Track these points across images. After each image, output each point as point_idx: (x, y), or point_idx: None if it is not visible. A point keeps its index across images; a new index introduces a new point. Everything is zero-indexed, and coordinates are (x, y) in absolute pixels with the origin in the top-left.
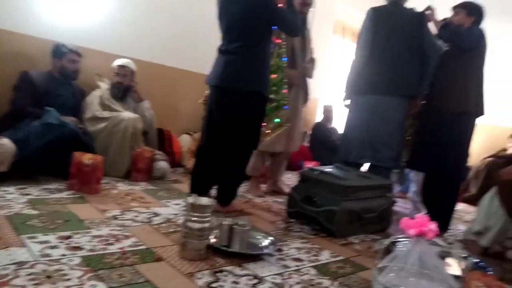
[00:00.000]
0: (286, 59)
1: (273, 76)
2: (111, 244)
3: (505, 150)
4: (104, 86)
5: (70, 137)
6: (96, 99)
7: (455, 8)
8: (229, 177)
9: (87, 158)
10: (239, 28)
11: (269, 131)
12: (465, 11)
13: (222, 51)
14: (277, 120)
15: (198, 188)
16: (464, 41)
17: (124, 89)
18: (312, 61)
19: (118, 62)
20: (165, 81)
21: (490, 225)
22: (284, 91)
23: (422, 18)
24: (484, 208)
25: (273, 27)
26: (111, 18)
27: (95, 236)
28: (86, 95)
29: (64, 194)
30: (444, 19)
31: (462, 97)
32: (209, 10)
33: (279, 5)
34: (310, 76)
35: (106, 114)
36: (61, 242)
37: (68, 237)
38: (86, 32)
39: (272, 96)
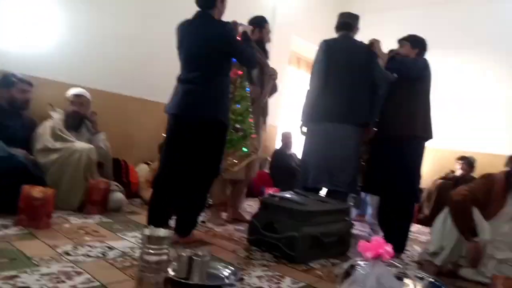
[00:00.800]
0: (248, 89)
1: (238, 106)
2: (62, 282)
3: (453, 171)
4: (56, 116)
5: (18, 170)
6: (48, 129)
7: (400, 41)
8: (188, 207)
9: (36, 191)
10: (198, 59)
11: (236, 161)
12: (409, 44)
13: (181, 80)
14: (245, 149)
15: (156, 219)
16: (411, 70)
17: (79, 118)
18: (271, 77)
19: (73, 91)
20: (120, 111)
21: (444, 245)
22: (250, 119)
23: (371, 50)
24: (438, 229)
25: (232, 59)
26: (64, 46)
27: (44, 274)
28: (37, 126)
29: (10, 231)
30: (391, 51)
31: (409, 122)
32: (164, 38)
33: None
34: (267, 92)
35: (58, 145)
36: (5, 283)
37: (14, 277)
38: (37, 61)
39: (238, 126)
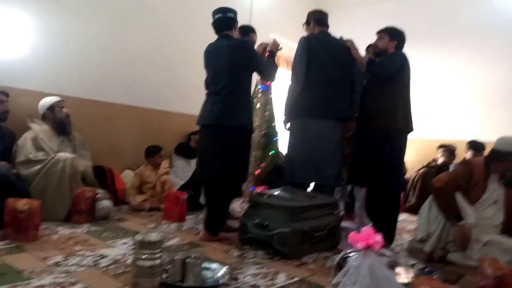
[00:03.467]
0: (263, 87)
1: (266, 113)
2: None
3: (435, 160)
4: (36, 127)
5: (1, 183)
6: (29, 141)
7: (379, 33)
8: (218, 208)
9: (22, 204)
10: (224, 73)
11: (264, 164)
12: (388, 36)
13: (210, 93)
14: (272, 152)
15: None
16: (390, 70)
17: (68, 123)
18: None
19: (52, 99)
20: (101, 117)
21: (431, 231)
22: (273, 124)
23: (348, 47)
24: (424, 216)
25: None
26: (39, 55)
27: (37, 287)
28: (17, 138)
29: None
30: (369, 45)
31: (390, 116)
32: (142, 45)
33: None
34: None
35: (40, 156)
36: None
37: None
38: (12, 71)
39: (265, 131)
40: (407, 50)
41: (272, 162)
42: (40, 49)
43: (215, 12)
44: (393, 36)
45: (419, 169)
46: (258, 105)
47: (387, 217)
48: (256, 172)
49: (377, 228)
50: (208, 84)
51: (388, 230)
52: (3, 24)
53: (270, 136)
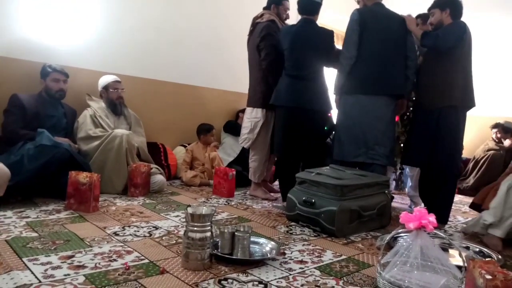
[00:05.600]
0: None
1: None
2: (114, 260)
3: (496, 140)
4: (94, 105)
5: (64, 158)
6: (88, 118)
7: (429, 10)
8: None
9: (83, 176)
10: (310, 59)
11: None
12: (438, 8)
13: (293, 76)
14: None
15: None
16: (447, 42)
17: (122, 103)
18: None
19: (109, 78)
20: (155, 95)
21: (506, 216)
22: None
23: (404, 21)
24: (500, 198)
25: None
26: (96, 35)
27: (97, 254)
28: (77, 115)
29: (62, 215)
30: (418, 15)
31: (445, 92)
32: (190, 25)
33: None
34: None
35: (99, 132)
36: (63, 262)
37: (70, 257)
38: (74, 52)
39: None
40: (469, 18)
41: None
42: (97, 30)
43: None
44: (442, 6)
45: (488, 150)
46: None
47: (441, 198)
48: None
49: (430, 209)
50: (288, 66)
51: (442, 211)
52: (62, 8)
53: None
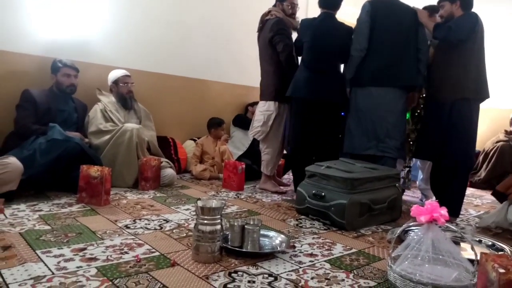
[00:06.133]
0: None
1: None
2: (125, 253)
3: (508, 132)
4: (104, 99)
5: (75, 152)
6: (99, 112)
7: (439, 2)
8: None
9: (94, 170)
10: (330, 53)
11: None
12: (448, 1)
13: (312, 68)
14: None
15: (299, 181)
16: (459, 34)
17: (132, 98)
18: None
19: (118, 72)
20: (165, 89)
21: None
22: None
23: (416, 13)
24: None
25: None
26: (106, 30)
27: (108, 246)
28: (88, 109)
29: (74, 208)
30: (425, 7)
31: (458, 84)
32: (198, 21)
33: None
34: None
35: (109, 126)
36: (76, 255)
37: (83, 249)
38: (84, 46)
39: None
40: (483, 9)
41: None
42: (107, 25)
43: None
44: None
45: (497, 142)
46: None
47: (453, 192)
48: None
49: (442, 202)
50: (308, 59)
51: (454, 204)
52: (71, 2)
53: None
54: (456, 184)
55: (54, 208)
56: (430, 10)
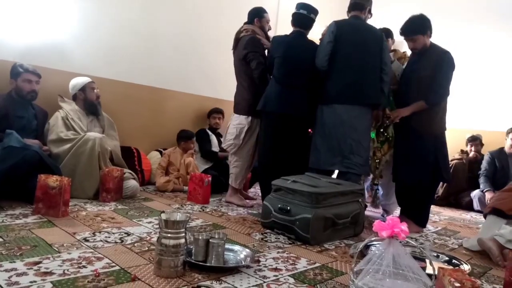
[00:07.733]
0: None
1: None
2: (83, 267)
3: (464, 152)
4: (66, 106)
5: (33, 161)
6: (60, 120)
7: (407, 36)
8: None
9: (53, 180)
10: (303, 70)
11: None
12: (420, 34)
13: (283, 84)
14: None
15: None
16: (448, 92)
17: (98, 104)
18: None
19: (84, 79)
20: (130, 98)
21: None
22: None
23: (382, 35)
24: None
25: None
26: (71, 36)
27: (65, 260)
28: (48, 116)
29: (29, 219)
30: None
31: (428, 123)
32: (167, 29)
33: None
34: None
35: (71, 135)
36: (29, 269)
37: (37, 263)
38: (47, 52)
39: None
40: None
41: None
42: (72, 31)
43: (301, 7)
44: (424, 31)
45: (451, 160)
46: None
47: (419, 201)
48: None
49: (408, 213)
50: (279, 74)
51: (420, 214)
52: (36, 7)
53: None
54: (421, 194)
55: (7, 219)
56: (385, 34)
